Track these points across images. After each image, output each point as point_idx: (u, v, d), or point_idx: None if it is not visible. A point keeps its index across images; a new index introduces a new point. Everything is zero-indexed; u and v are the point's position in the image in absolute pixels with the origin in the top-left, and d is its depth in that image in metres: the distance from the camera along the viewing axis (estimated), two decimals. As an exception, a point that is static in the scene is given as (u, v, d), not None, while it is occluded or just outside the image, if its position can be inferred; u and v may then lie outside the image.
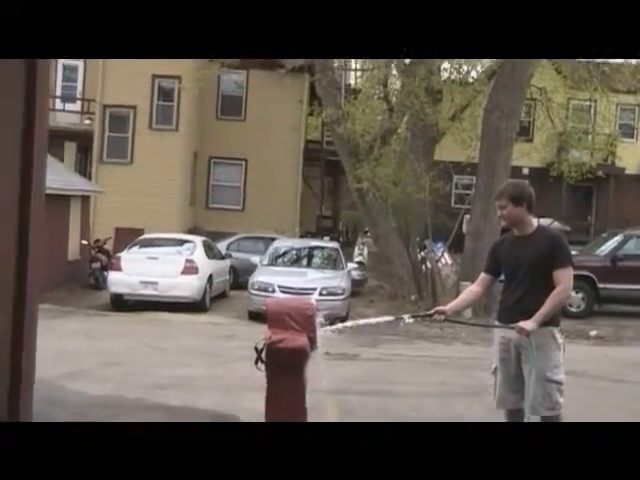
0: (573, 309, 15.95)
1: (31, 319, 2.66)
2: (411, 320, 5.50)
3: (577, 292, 15.96)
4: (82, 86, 27.06)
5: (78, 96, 27.37)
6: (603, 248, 18.32)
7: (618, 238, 18.30)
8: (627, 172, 30.35)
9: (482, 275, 5.62)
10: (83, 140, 26.05)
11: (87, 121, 26.92)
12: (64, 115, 26.93)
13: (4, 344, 2.52)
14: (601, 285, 17.03)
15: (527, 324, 5.07)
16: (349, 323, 5.74)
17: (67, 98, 27.43)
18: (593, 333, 14.54)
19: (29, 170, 2.50)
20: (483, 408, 7.68)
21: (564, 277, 5.21)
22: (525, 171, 25.42)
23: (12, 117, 2.45)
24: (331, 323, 5.47)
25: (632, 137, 30.57)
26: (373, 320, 5.77)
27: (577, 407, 7.46)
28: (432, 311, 5.57)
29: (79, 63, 26.46)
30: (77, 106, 27.57)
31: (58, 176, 18.59)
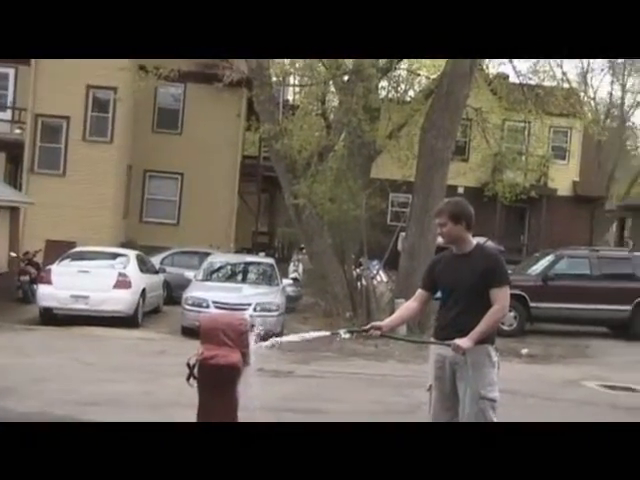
0: (505, 327, 16.13)
1: None
2: (347, 335, 5.44)
3: (510, 311, 16.12)
4: (13, 94, 26.37)
5: (9, 104, 26.72)
6: (535, 267, 18.64)
7: (550, 258, 18.65)
8: (559, 193, 31.03)
9: (419, 291, 5.62)
10: (13, 150, 25.43)
11: (18, 130, 26.29)
12: (-6, 123, 26.28)
13: None
14: (533, 304, 17.31)
15: (463, 342, 5.07)
16: (285, 338, 5.66)
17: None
18: (524, 351, 14.74)
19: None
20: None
21: (501, 296, 5.24)
22: (460, 190, 25.76)
23: None
24: (265, 339, 5.38)
25: (564, 159, 31.27)
26: (309, 335, 5.68)
27: (509, 425, 7.52)
28: (368, 326, 5.53)
29: (10, 70, 25.83)
30: (7, 115, 26.92)
31: (-14, 186, 18.12)
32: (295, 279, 21.23)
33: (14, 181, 25.68)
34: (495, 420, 5.27)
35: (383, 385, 10.76)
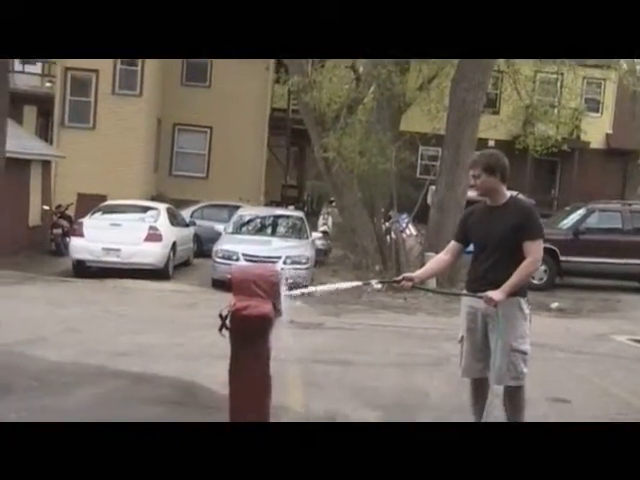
0: (535, 281, 16.05)
1: None
2: (379, 285, 5.47)
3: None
4: (43, 47, 26.40)
5: (38, 58, 26.77)
6: (566, 221, 18.48)
7: (581, 212, 18.46)
8: (591, 146, 30.59)
9: (451, 243, 5.60)
10: (44, 104, 25.51)
11: (48, 84, 26.37)
12: (24, 77, 26.32)
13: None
14: (563, 258, 17.20)
15: (495, 294, 5.06)
16: (318, 287, 5.68)
17: (27, 60, 26.82)
18: (554, 305, 14.69)
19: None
20: (444, 378, 7.74)
21: (534, 249, 5.21)
22: (491, 143, 25.45)
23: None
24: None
25: (597, 111, 30.75)
26: (342, 285, 5.71)
27: (538, 378, 7.53)
28: (400, 277, 5.54)
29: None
30: (37, 68, 26.96)
31: (18, 140, 18.23)
32: (324, 232, 21.26)
33: (45, 135, 25.83)
34: (526, 372, 5.29)
35: (412, 337, 10.80)
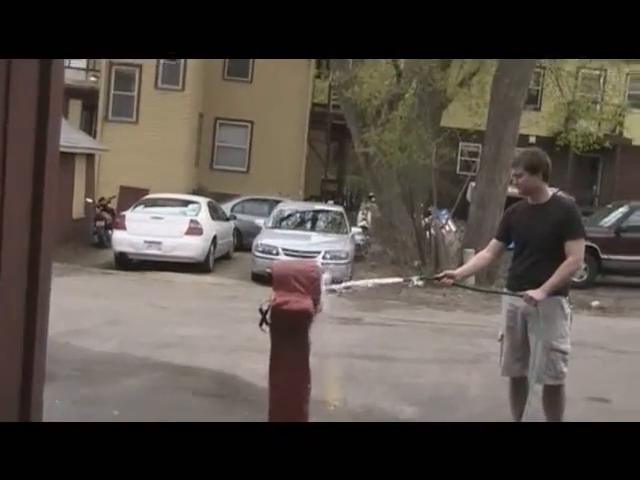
0: (576, 279, 15.83)
1: (43, 304, 2.61)
2: (419, 282, 5.50)
3: (579, 262, 15.93)
4: (88, 42, 26.77)
5: (84, 53, 27.10)
6: (607, 219, 18.29)
7: (623, 209, 18.26)
8: (634, 143, 30.17)
9: (493, 241, 5.63)
10: (88, 98, 25.89)
11: (93, 78, 26.73)
12: (69, 72, 26.58)
13: (16, 329, 2.49)
14: (604, 256, 17.02)
15: (535, 293, 5.07)
16: (357, 282, 5.73)
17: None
18: (595, 304, 14.56)
19: (44, 131, 2.47)
20: (483, 375, 7.75)
21: (576, 248, 5.21)
22: (532, 140, 25.29)
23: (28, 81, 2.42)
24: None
25: (641, 108, 30.31)
26: (382, 280, 5.78)
27: (578, 377, 7.50)
28: (442, 274, 5.58)
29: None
30: (82, 63, 27.33)
31: (63, 134, 18.43)
32: (364, 227, 21.28)
33: (89, 128, 26.20)
34: (565, 371, 5.29)
35: (450, 334, 10.81)
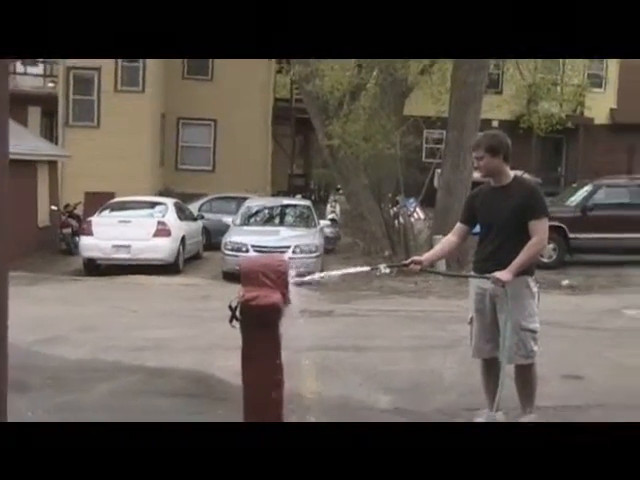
0: (545, 259, 16.07)
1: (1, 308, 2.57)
2: (387, 270, 5.50)
3: (548, 242, 16.02)
4: (45, 48, 26.45)
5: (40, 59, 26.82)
6: (573, 198, 18.44)
7: (588, 188, 18.41)
8: (596, 122, 30.47)
9: (458, 225, 5.65)
10: (47, 104, 25.61)
11: (50, 84, 26.44)
12: (26, 78, 26.42)
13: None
14: (572, 235, 17.18)
15: (502, 274, 5.10)
16: (325, 273, 5.72)
17: (28, 61, 26.87)
18: (565, 283, 14.69)
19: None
20: (457, 360, 7.78)
21: (540, 228, 5.25)
22: (495, 124, 25.41)
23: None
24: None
25: (601, 87, 30.65)
26: (350, 270, 5.78)
27: (550, 356, 7.57)
28: (408, 261, 5.59)
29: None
30: (39, 69, 27.03)
31: (23, 141, 18.32)
32: (333, 220, 21.30)
33: (50, 135, 25.93)
34: (536, 350, 5.33)
35: (424, 321, 10.84)
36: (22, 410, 5.93)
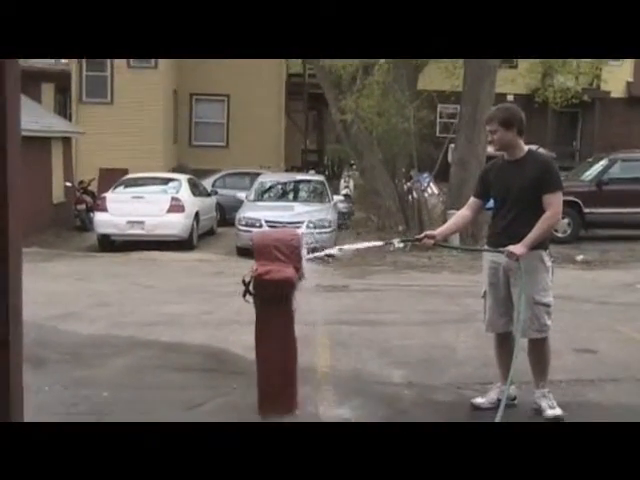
0: (559, 234, 16.01)
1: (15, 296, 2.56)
2: (400, 244, 5.51)
3: (563, 217, 15.94)
4: (57, 25, 26.43)
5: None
6: (589, 173, 18.31)
7: (603, 162, 18.28)
8: (612, 96, 30.19)
9: (471, 199, 5.62)
10: (61, 80, 25.59)
11: (63, 60, 26.38)
12: (40, 55, 26.36)
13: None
14: (587, 210, 17.08)
15: (516, 248, 5.09)
16: (339, 247, 5.72)
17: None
18: (579, 258, 14.64)
19: (2, 110, 2.42)
20: (470, 334, 7.79)
21: (554, 202, 5.22)
22: (510, 98, 25.24)
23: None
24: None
25: (617, 60, 30.30)
26: (363, 244, 5.78)
27: (564, 330, 7.57)
28: (422, 235, 5.58)
29: None
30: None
31: (37, 118, 18.35)
32: (346, 195, 21.26)
33: (64, 112, 25.95)
34: (549, 324, 5.32)
35: (437, 295, 10.84)
36: (39, 385, 6.00)
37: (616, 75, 29.48)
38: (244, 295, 5.27)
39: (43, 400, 5.64)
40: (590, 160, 20.26)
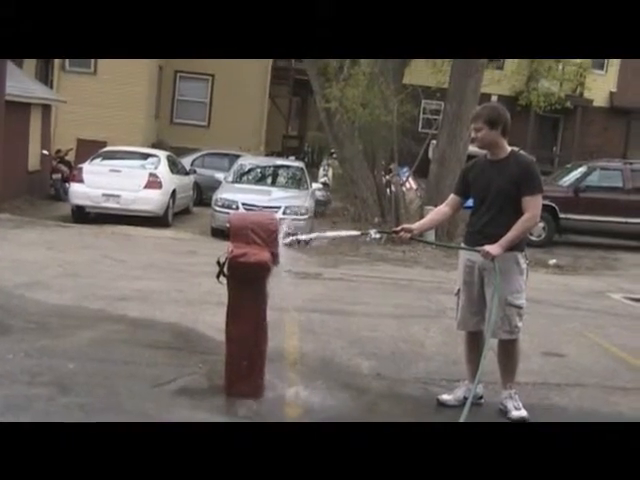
0: (534, 238, 16.11)
1: None
2: (377, 235, 5.49)
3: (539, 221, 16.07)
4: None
5: None
6: (566, 179, 18.44)
7: (582, 169, 18.42)
8: (595, 104, 30.39)
9: (451, 196, 5.62)
10: (45, 47, 25.27)
11: (49, 27, 26.08)
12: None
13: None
14: (562, 215, 17.21)
15: (492, 248, 5.09)
16: (315, 234, 5.68)
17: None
18: (552, 262, 14.73)
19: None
20: (440, 330, 7.81)
21: (533, 204, 5.22)
22: (494, 98, 25.30)
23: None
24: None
25: (602, 69, 30.50)
26: (340, 233, 5.75)
27: (534, 333, 7.62)
28: (399, 228, 5.56)
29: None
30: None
31: (17, 83, 18.07)
32: (325, 184, 21.24)
33: (45, 79, 25.58)
34: (520, 326, 5.33)
35: (410, 290, 10.85)
36: (2, 353, 5.92)
37: (600, 84, 29.67)
38: (218, 276, 5.23)
39: (5, 368, 5.57)
40: (569, 166, 20.39)
